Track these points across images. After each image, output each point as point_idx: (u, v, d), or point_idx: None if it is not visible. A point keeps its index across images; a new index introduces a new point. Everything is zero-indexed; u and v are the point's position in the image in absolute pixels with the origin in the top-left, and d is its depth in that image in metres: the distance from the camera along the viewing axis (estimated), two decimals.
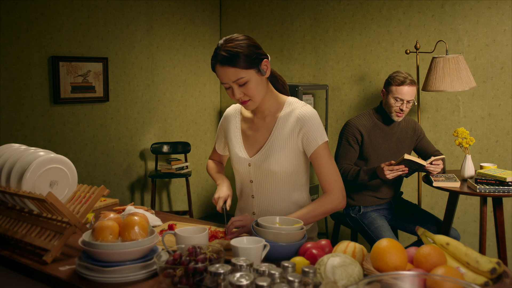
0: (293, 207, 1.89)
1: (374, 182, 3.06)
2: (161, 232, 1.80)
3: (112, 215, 1.62)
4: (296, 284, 1.11)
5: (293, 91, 4.09)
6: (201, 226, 1.65)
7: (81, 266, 1.42)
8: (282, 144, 1.82)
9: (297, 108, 1.83)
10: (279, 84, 1.95)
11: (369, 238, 3.04)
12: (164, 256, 1.38)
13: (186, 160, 4.80)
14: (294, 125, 1.81)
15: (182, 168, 4.67)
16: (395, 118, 3.01)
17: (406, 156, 2.72)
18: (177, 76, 4.97)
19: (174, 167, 4.58)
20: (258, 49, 1.75)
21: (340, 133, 3.10)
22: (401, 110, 2.97)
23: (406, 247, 1.39)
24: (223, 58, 1.70)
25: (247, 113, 1.95)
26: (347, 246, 1.43)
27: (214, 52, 1.75)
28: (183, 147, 4.80)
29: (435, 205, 4.01)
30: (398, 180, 3.18)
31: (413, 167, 2.84)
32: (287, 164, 1.83)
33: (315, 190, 4.50)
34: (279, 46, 4.78)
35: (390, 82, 2.99)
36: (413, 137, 3.16)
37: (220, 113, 5.44)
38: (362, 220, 3.09)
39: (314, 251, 1.45)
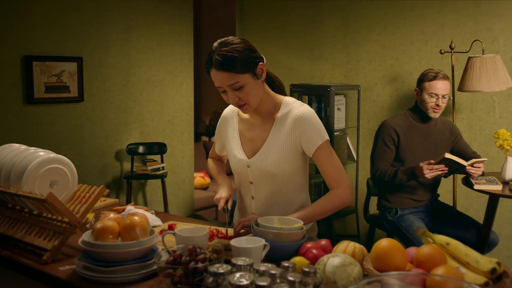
0: (293, 207, 1.89)
1: (411, 184, 2.99)
2: (161, 232, 1.80)
3: (112, 215, 1.62)
4: (296, 284, 1.11)
5: (325, 92, 3.99)
6: (201, 226, 1.65)
7: (81, 266, 1.42)
8: (280, 145, 1.81)
9: (295, 108, 1.82)
10: (275, 85, 1.93)
11: (407, 242, 2.96)
12: (164, 256, 1.38)
13: (162, 161, 4.72)
14: (292, 126, 1.80)
15: (157, 169, 4.59)
16: (432, 115, 2.96)
17: (447, 155, 2.66)
18: (154, 76, 4.87)
19: (149, 168, 4.50)
20: (253, 53, 1.73)
21: (375, 133, 3.05)
22: (437, 105, 2.93)
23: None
24: (217, 63, 1.67)
25: (245, 114, 1.94)
26: (347, 246, 1.43)
27: (208, 56, 1.73)
28: (159, 148, 4.72)
29: (469, 207, 3.89)
30: (436, 182, 3.12)
31: (453, 167, 2.77)
32: (286, 165, 1.82)
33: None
34: (309, 45, 4.65)
35: (423, 79, 2.96)
36: (449, 138, 3.10)
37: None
38: (399, 223, 3.02)
39: (314, 251, 1.45)
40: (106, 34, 4.43)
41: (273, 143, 1.82)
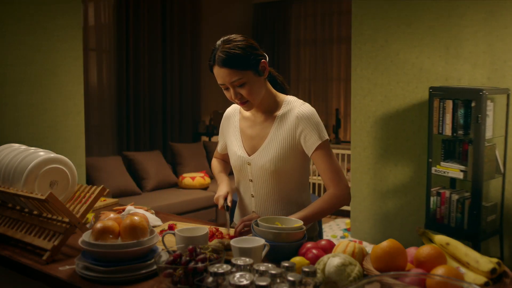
0: (293, 206, 1.89)
1: None
2: (161, 232, 1.80)
3: (112, 215, 1.62)
4: (296, 284, 1.11)
5: (476, 96, 3.32)
6: (201, 226, 1.65)
7: (81, 266, 1.42)
8: (281, 143, 1.82)
9: (296, 107, 1.83)
10: (278, 84, 1.95)
11: None
12: (164, 256, 1.38)
13: None
14: (293, 124, 1.81)
15: None
16: None
17: None
18: (31, 76, 4.14)
19: None
20: (256, 50, 1.76)
21: None
22: None
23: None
24: (220, 60, 1.71)
25: (246, 112, 1.95)
26: (347, 246, 1.43)
27: (211, 53, 1.76)
28: None
29: None
30: None
31: None
32: (286, 163, 1.83)
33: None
34: (443, 43, 4.01)
35: None
36: None
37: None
38: None
39: (314, 251, 1.45)
40: None
41: (274, 141, 1.83)
